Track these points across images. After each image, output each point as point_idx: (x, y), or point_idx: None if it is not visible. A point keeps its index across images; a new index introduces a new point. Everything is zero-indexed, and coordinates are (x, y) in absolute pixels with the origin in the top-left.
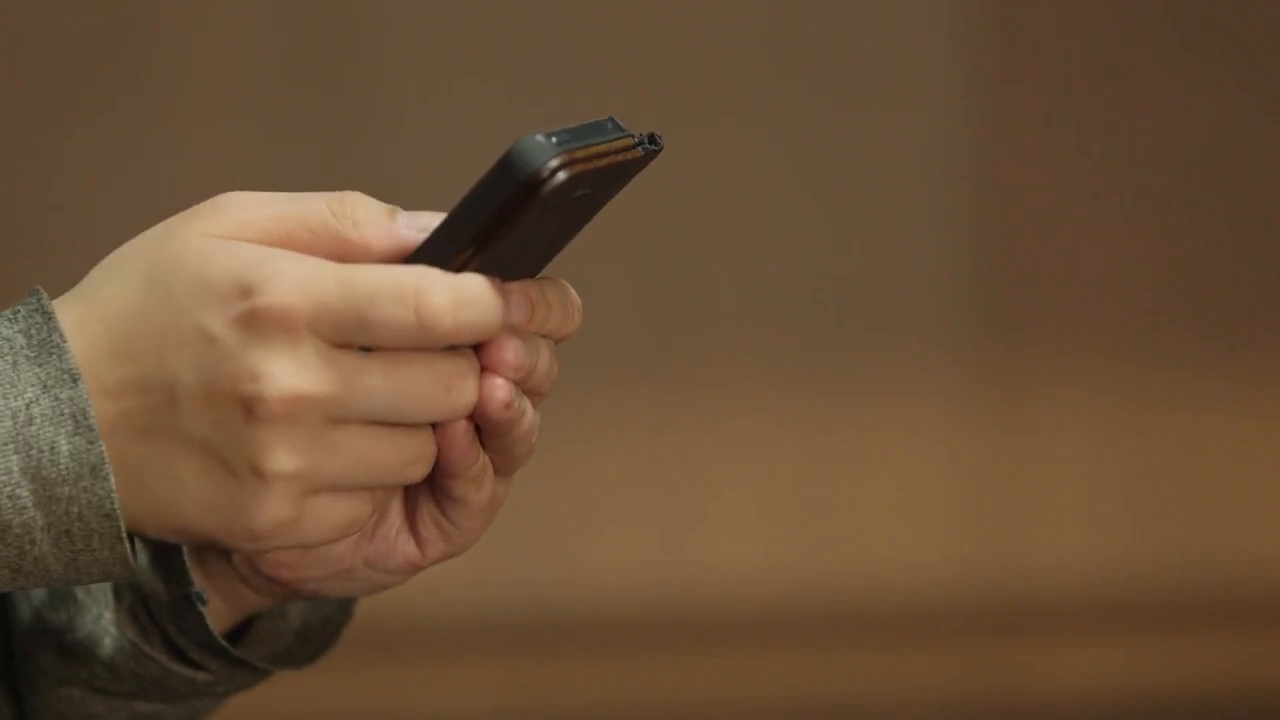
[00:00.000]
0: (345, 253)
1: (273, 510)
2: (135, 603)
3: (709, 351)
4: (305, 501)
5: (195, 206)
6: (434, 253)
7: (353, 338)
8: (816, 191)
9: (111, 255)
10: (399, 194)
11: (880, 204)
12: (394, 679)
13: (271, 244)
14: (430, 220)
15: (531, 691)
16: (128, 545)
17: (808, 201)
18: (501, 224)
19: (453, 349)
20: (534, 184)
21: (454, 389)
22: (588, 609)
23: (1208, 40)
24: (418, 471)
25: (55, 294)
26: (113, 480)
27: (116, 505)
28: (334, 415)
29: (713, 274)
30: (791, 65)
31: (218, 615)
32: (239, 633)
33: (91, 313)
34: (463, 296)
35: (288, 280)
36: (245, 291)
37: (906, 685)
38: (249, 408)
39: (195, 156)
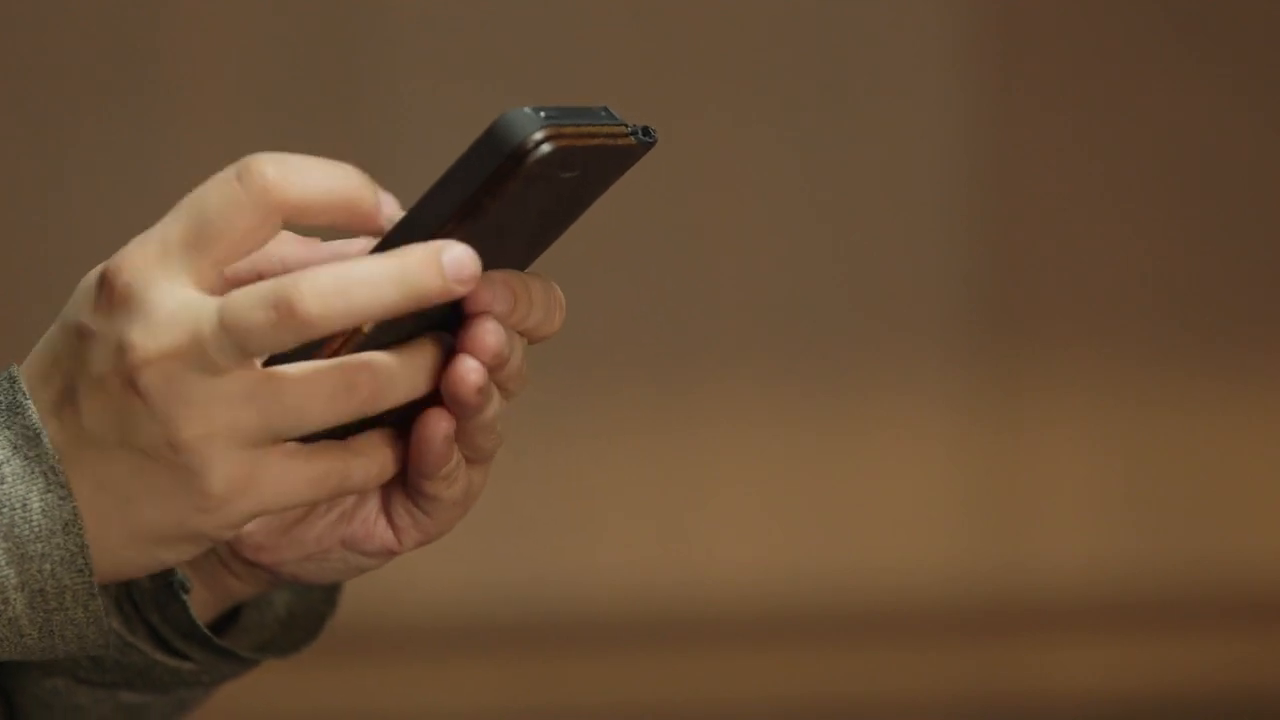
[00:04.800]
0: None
1: (217, 473)
2: (119, 592)
3: (708, 351)
4: (251, 456)
5: None
6: (413, 227)
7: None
8: (816, 191)
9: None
10: (400, 194)
11: (880, 204)
12: (394, 679)
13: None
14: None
15: (531, 691)
16: (100, 603)
17: (808, 201)
18: (484, 195)
19: (433, 333)
20: (519, 155)
21: (358, 389)
22: (587, 609)
23: (1208, 41)
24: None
25: (58, 295)
26: (85, 536)
27: (89, 560)
28: (206, 364)
29: (712, 273)
30: (792, 64)
31: (202, 605)
32: (224, 623)
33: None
34: (339, 283)
35: (131, 252)
36: (101, 280)
37: (906, 685)
38: (131, 382)
39: (195, 156)
